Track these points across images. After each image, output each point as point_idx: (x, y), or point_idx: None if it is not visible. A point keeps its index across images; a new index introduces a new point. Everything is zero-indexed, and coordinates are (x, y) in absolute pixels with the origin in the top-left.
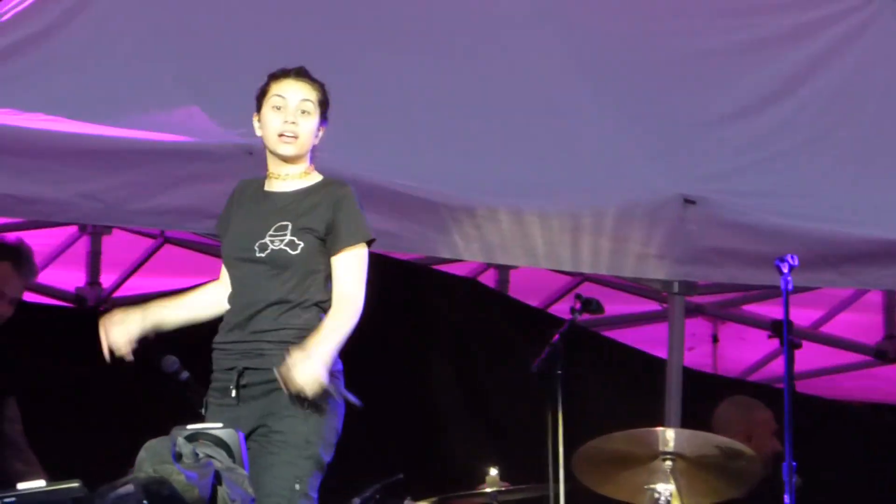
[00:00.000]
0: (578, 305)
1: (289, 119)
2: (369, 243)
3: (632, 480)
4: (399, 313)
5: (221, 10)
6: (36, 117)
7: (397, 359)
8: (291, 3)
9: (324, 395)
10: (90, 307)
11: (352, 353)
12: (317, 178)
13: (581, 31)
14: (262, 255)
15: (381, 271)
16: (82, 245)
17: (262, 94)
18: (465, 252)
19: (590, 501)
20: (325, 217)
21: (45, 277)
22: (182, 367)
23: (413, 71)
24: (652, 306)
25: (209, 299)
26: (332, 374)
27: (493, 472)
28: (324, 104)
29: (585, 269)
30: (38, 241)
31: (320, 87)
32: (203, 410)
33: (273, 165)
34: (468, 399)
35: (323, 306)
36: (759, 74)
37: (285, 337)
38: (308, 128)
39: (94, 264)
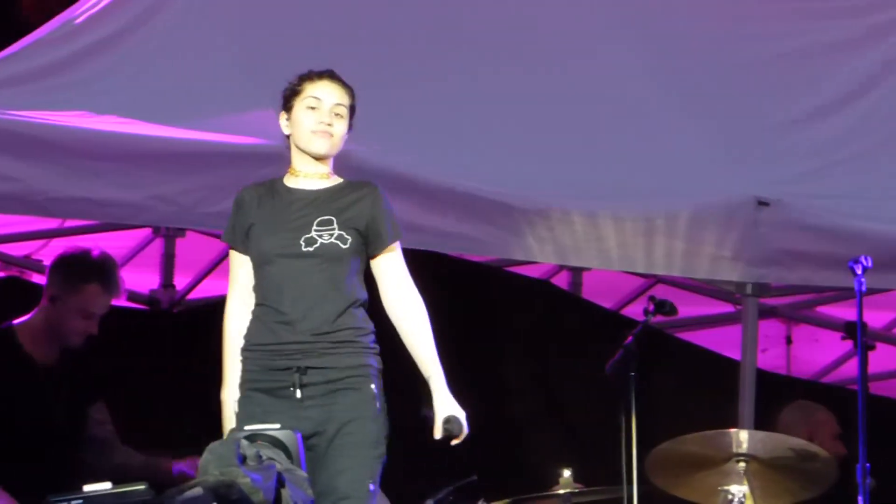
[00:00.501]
0: (652, 307)
1: (324, 119)
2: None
3: (705, 482)
4: (473, 315)
5: (296, 13)
6: (110, 120)
7: (471, 361)
8: (368, 9)
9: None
10: (164, 309)
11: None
12: (339, 179)
13: (656, 35)
14: (311, 248)
15: (455, 274)
16: (156, 247)
17: (292, 94)
18: (538, 254)
19: (663, 503)
20: (365, 215)
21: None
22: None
23: (488, 75)
24: (725, 308)
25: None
26: (376, 373)
27: (567, 473)
28: (353, 110)
29: (659, 271)
30: (113, 244)
31: (352, 92)
32: (235, 409)
33: (300, 163)
34: (542, 401)
35: (365, 305)
36: (832, 77)
37: (345, 337)
38: (341, 130)
39: (167, 267)
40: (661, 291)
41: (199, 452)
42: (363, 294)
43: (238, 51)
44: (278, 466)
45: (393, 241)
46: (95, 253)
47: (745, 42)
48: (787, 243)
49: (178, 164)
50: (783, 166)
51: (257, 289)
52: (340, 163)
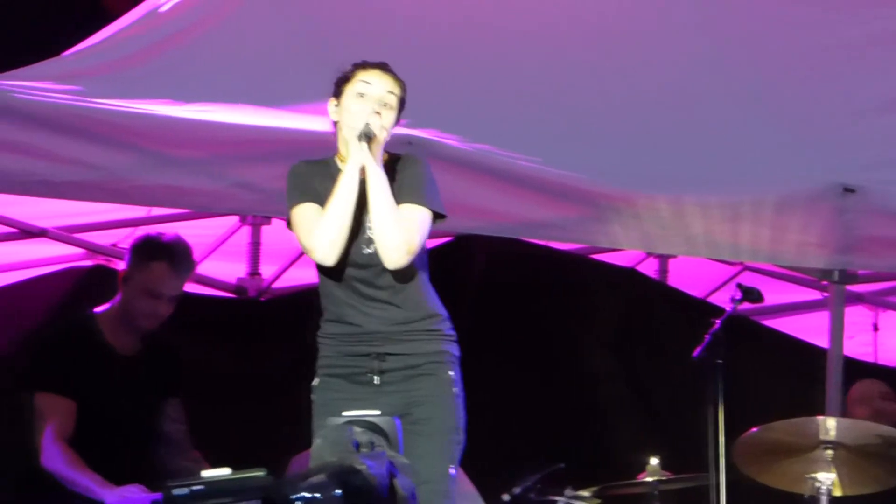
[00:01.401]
0: (738, 294)
1: (374, 107)
2: (435, 220)
3: (792, 470)
4: (559, 303)
5: (378, 2)
6: (194, 108)
7: (557, 348)
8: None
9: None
10: (251, 297)
11: (512, 343)
12: (386, 157)
13: (729, 23)
14: (370, 251)
15: (541, 261)
16: (242, 236)
17: (343, 80)
18: (624, 241)
19: (750, 490)
20: (402, 181)
21: (206, 268)
22: None
23: (571, 65)
24: (812, 295)
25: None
26: (454, 360)
27: (654, 461)
28: (403, 103)
29: (745, 259)
30: (199, 232)
31: (403, 86)
32: (312, 397)
33: (345, 148)
34: (628, 388)
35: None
36: None
37: (423, 325)
38: (388, 120)
39: (254, 255)
40: (747, 279)
41: (284, 441)
42: (427, 274)
43: (322, 36)
44: (388, 453)
45: (414, 200)
46: (168, 235)
47: (816, 29)
48: (873, 230)
49: (263, 151)
50: (867, 153)
51: (326, 282)
52: (423, 153)
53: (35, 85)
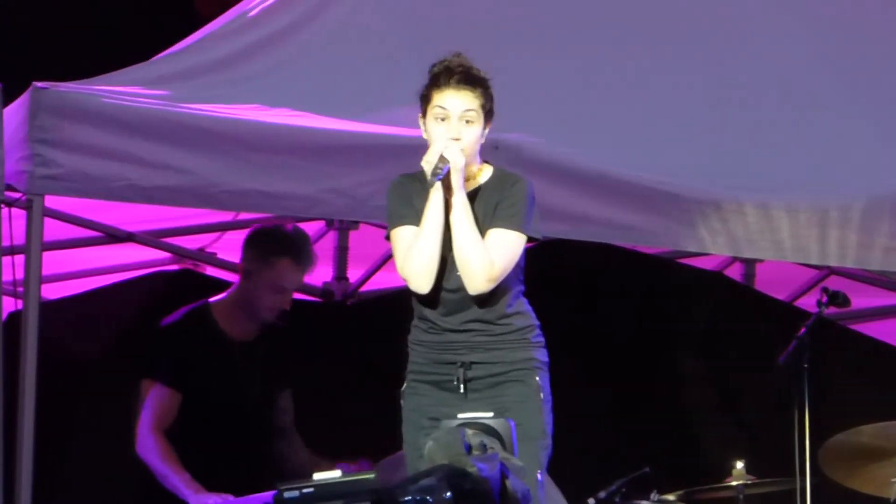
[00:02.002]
0: (825, 299)
1: (452, 134)
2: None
3: (879, 474)
4: (645, 307)
5: (467, 4)
6: (283, 113)
7: (644, 353)
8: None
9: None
10: (338, 301)
11: (598, 347)
12: (488, 171)
13: (825, 23)
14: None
15: (628, 266)
16: (330, 240)
17: (424, 100)
18: (711, 246)
19: (836, 495)
20: (499, 202)
21: None
22: None
23: (656, 67)
24: None
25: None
26: (541, 366)
27: (740, 465)
28: (486, 106)
29: (832, 263)
30: None
31: (482, 90)
32: (401, 402)
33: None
34: (715, 393)
35: (524, 294)
36: None
37: (509, 332)
38: (472, 136)
39: (341, 259)
40: (834, 283)
41: (370, 445)
42: (521, 287)
43: (411, 42)
44: (501, 455)
45: (497, 226)
46: (288, 227)
47: None
48: None
49: (352, 156)
50: None
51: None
52: (510, 157)
53: (124, 90)
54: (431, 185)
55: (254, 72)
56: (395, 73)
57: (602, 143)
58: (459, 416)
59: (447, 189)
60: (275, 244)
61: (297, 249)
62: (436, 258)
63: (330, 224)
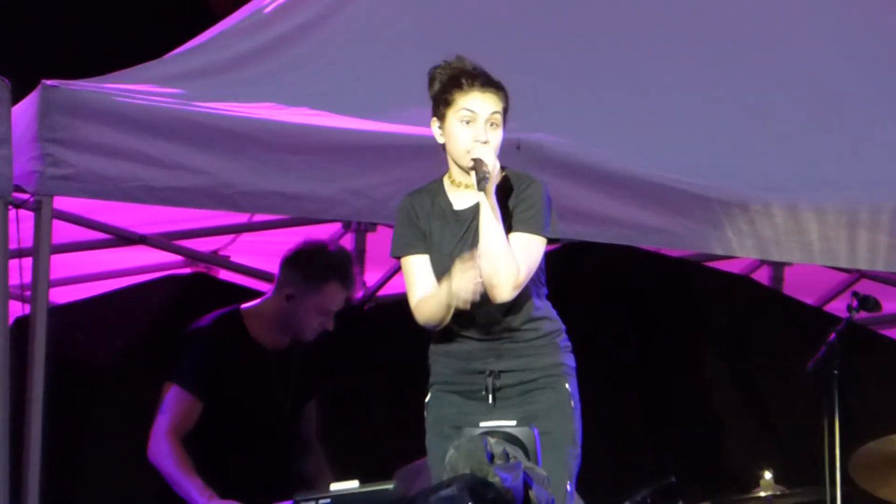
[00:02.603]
0: (855, 303)
1: (480, 137)
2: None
3: None
4: (671, 312)
5: (488, 3)
6: (300, 112)
7: (669, 358)
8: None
9: (573, 393)
10: (355, 305)
11: (622, 353)
12: (502, 174)
13: (854, 22)
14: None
15: (653, 269)
16: (347, 242)
17: (443, 102)
18: (738, 248)
19: None
20: (515, 205)
21: None
22: None
23: (683, 65)
24: None
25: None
26: (571, 371)
27: (768, 475)
28: (507, 110)
29: (862, 266)
30: (303, 239)
31: (505, 93)
32: (425, 413)
33: (459, 174)
34: (742, 399)
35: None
36: None
37: (537, 337)
38: (498, 139)
39: (358, 262)
40: (864, 287)
41: (390, 453)
42: (545, 289)
43: (429, 41)
44: (524, 464)
45: (526, 229)
46: (332, 248)
47: None
48: None
49: (370, 157)
50: None
51: None
52: (533, 157)
53: (136, 88)
54: (481, 186)
55: (269, 70)
56: (413, 72)
57: (627, 143)
58: (482, 424)
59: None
60: (322, 269)
61: (344, 272)
62: (451, 311)
63: (347, 226)
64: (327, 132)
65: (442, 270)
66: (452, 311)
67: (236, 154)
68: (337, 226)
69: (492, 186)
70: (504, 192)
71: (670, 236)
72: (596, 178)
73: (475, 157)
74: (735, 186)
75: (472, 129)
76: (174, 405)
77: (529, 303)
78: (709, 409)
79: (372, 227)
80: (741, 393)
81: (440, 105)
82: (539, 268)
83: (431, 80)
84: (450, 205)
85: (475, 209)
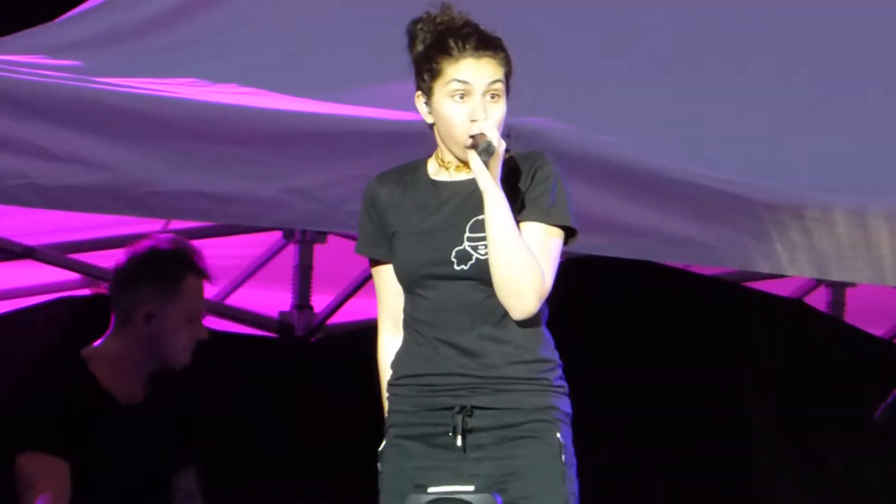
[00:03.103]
0: None
1: (478, 116)
2: (567, 239)
3: None
4: (705, 343)
5: None
6: (229, 89)
7: (702, 400)
8: None
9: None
10: (298, 337)
11: (642, 395)
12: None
13: None
14: (465, 267)
15: (683, 290)
16: (288, 257)
17: (429, 72)
18: (789, 265)
19: None
20: (525, 190)
21: (243, 299)
22: None
23: (722, 36)
24: None
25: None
26: (564, 417)
27: None
28: (510, 73)
29: None
30: (231, 252)
31: (505, 54)
32: (379, 465)
33: (446, 154)
34: (794, 451)
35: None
36: None
37: (523, 371)
38: (500, 114)
39: (303, 282)
40: None
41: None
42: (545, 314)
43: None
44: None
45: (537, 218)
46: (164, 242)
47: None
48: None
49: (319, 148)
50: None
51: (407, 309)
52: (527, 145)
53: (21, 59)
54: (483, 157)
55: (191, 36)
56: (376, 39)
57: (646, 130)
58: (431, 490)
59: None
60: (171, 268)
61: (193, 261)
62: None
63: (289, 236)
64: (265, 115)
65: (416, 265)
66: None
67: (148, 144)
68: (276, 235)
69: (497, 168)
70: (508, 177)
71: (703, 250)
72: (607, 175)
73: (474, 132)
74: (786, 186)
75: (468, 105)
76: (41, 474)
77: (516, 329)
78: (750, 469)
79: (321, 237)
80: (792, 443)
81: (424, 75)
82: None
83: (412, 39)
84: (428, 178)
85: (465, 184)
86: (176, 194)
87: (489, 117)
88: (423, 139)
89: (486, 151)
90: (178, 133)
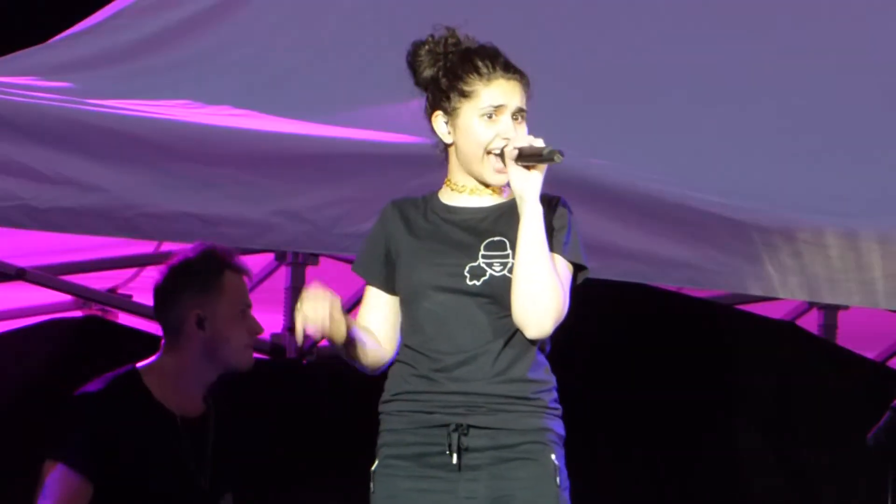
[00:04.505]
0: None
1: (508, 133)
2: (577, 275)
3: None
4: (695, 367)
5: None
6: (222, 111)
7: (693, 425)
8: None
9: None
10: (290, 360)
11: (634, 418)
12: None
13: None
14: (477, 283)
15: (674, 313)
16: (280, 278)
17: (458, 93)
18: (781, 288)
19: None
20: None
21: None
22: None
23: (716, 54)
24: None
25: (374, 355)
26: (557, 439)
27: None
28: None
29: None
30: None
31: (527, 80)
32: (371, 486)
33: (461, 177)
34: (785, 476)
35: (545, 350)
36: None
37: (520, 391)
38: (522, 136)
39: (295, 304)
40: None
41: None
42: (547, 340)
43: (391, 21)
44: None
45: (565, 254)
46: (195, 249)
47: None
48: None
49: (310, 169)
50: None
51: (405, 328)
52: None
53: (14, 81)
54: (549, 158)
55: (184, 58)
56: (368, 61)
57: (638, 154)
58: None
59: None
60: (209, 266)
61: (227, 257)
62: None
63: (281, 258)
64: (255, 137)
65: (425, 277)
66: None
67: (140, 166)
68: (268, 257)
69: (539, 184)
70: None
71: (695, 272)
72: (598, 198)
73: (517, 145)
74: (778, 209)
75: (495, 126)
76: (59, 490)
77: (516, 350)
78: (742, 492)
79: (313, 259)
80: (784, 469)
81: (451, 94)
82: None
83: (420, 61)
84: (441, 203)
85: (478, 210)
86: (167, 216)
87: (518, 137)
88: (417, 161)
89: (549, 156)
90: (169, 155)
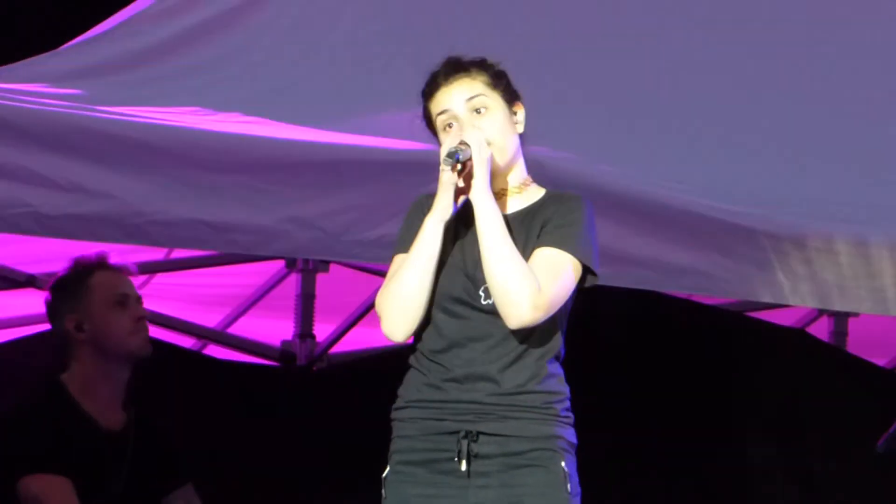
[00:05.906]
0: None
1: (464, 133)
2: (584, 278)
3: None
4: (704, 375)
5: None
6: (232, 118)
7: (702, 433)
8: None
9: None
10: (301, 367)
11: (645, 425)
12: (538, 193)
13: None
14: (490, 302)
15: (683, 320)
16: (290, 286)
17: (426, 118)
18: (791, 295)
19: None
20: (546, 222)
21: (245, 328)
22: None
23: (718, 59)
24: None
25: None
26: (568, 447)
27: None
28: (498, 81)
29: None
30: (235, 281)
31: (481, 67)
32: (382, 492)
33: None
34: (796, 485)
35: (559, 358)
36: None
37: (532, 401)
38: (495, 123)
39: (305, 311)
40: None
41: None
42: (559, 347)
43: (401, 29)
44: None
45: (551, 244)
46: (66, 266)
47: None
48: None
49: (321, 176)
50: None
51: (421, 337)
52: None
53: (24, 88)
54: (443, 169)
55: (193, 65)
56: (378, 68)
57: (646, 159)
58: None
59: (462, 191)
60: (74, 274)
61: (94, 262)
62: (416, 300)
63: (292, 265)
64: (265, 144)
65: (442, 288)
66: (420, 301)
67: (150, 173)
68: (279, 264)
69: (485, 177)
70: (541, 212)
71: (704, 280)
72: (607, 205)
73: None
74: (788, 216)
75: (455, 131)
76: (49, 493)
77: (529, 360)
78: (753, 495)
79: (323, 266)
80: (793, 476)
81: (428, 125)
82: (563, 309)
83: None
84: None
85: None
86: (177, 223)
87: (481, 129)
88: (427, 168)
89: (452, 155)
90: (179, 162)
